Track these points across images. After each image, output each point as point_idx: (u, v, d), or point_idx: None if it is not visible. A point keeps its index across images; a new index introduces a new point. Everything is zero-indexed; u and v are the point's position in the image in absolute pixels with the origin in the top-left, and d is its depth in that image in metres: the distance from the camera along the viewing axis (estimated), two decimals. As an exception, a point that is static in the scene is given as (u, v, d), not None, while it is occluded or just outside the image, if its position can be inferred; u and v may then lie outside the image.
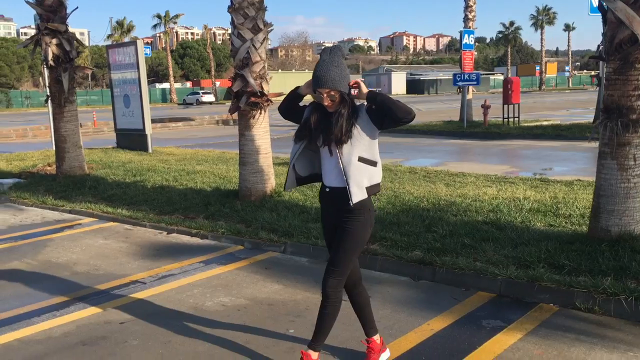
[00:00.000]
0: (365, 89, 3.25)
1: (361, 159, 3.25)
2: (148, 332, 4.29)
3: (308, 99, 3.44)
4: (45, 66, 10.94)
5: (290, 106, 3.51)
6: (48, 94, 11.50)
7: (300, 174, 3.51)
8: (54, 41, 10.49)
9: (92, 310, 4.74)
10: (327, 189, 3.38)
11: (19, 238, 7.26)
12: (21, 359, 3.92)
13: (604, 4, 5.21)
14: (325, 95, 3.20)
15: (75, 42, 10.85)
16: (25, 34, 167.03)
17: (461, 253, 5.54)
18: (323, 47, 3.37)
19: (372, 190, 3.32)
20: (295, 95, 3.47)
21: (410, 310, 4.60)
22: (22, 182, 10.98)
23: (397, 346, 3.93)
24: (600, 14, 5.37)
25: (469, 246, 5.71)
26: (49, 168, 12.17)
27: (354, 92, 3.28)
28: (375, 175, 3.33)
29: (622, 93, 5.16)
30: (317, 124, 3.32)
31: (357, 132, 3.24)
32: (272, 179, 8.32)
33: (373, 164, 3.31)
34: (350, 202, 3.22)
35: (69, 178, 10.71)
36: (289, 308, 4.71)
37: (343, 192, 3.26)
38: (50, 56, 10.42)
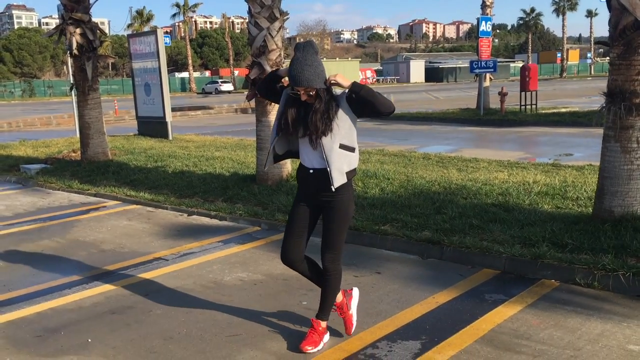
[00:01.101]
0: (346, 83, 3.33)
1: (342, 146, 3.41)
2: (171, 303, 4.60)
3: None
4: (69, 55, 11.28)
5: (269, 86, 3.65)
6: (72, 82, 11.87)
7: (277, 153, 3.67)
8: (78, 31, 10.85)
9: (119, 284, 5.07)
10: (311, 171, 3.50)
11: (48, 219, 7.64)
12: (55, 325, 4.25)
13: (609, -10, 5.35)
14: (302, 92, 3.33)
15: (98, 31, 11.20)
16: (47, 23, 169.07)
17: (469, 233, 5.76)
18: (296, 43, 3.43)
19: (351, 174, 3.50)
20: (274, 76, 3.62)
21: (418, 285, 4.84)
22: (49, 167, 11.40)
23: (403, 316, 4.19)
24: (605, 1, 5.51)
25: (476, 227, 5.92)
26: (73, 154, 12.58)
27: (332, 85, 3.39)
28: (353, 161, 3.50)
29: (625, 78, 5.31)
30: (296, 117, 3.45)
31: (337, 123, 3.38)
32: (288, 164, 8.58)
33: (352, 150, 3.47)
34: (332, 187, 3.39)
35: (93, 163, 11.10)
36: (302, 283, 4.96)
37: (325, 174, 3.42)
38: (74, 45, 10.77)
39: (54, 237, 6.73)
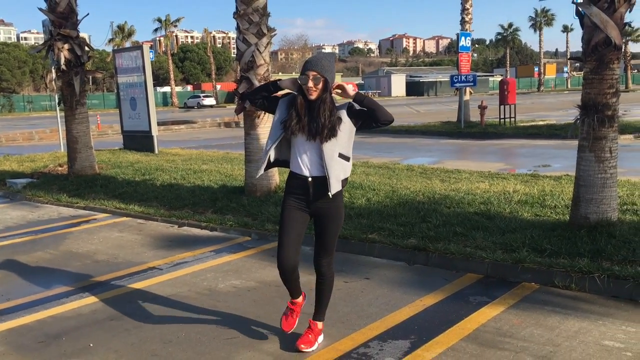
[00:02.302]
0: (351, 92, 3.49)
1: (340, 155, 3.57)
2: (168, 309, 4.75)
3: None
4: (57, 70, 11.39)
5: (266, 93, 3.71)
6: (57, 97, 11.95)
7: (270, 160, 3.75)
8: (66, 46, 10.98)
9: (116, 292, 5.21)
10: (310, 179, 3.60)
11: (39, 232, 7.73)
12: (56, 331, 4.38)
13: (581, 9, 5.68)
14: (311, 77, 3.40)
15: (85, 47, 11.33)
16: (26, 38, 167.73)
17: (453, 240, 6.01)
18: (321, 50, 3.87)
19: (344, 182, 3.67)
20: (274, 85, 3.69)
21: (405, 289, 5.06)
22: (35, 181, 11.45)
23: (392, 318, 4.39)
24: (578, 18, 5.84)
25: (460, 234, 6.17)
26: (60, 168, 12.64)
27: (336, 92, 3.54)
28: (347, 169, 3.67)
29: (598, 91, 5.63)
30: (302, 113, 3.52)
31: (340, 132, 3.52)
32: (276, 176, 8.78)
33: (347, 159, 3.64)
34: (330, 193, 3.54)
35: (81, 177, 11.18)
36: (294, 289, 5.16)
37: (323, 181, 3.56)
38: (62, 61, 10.90)
39: (47, 249, 6.84)
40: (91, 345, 4.11)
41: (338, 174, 3.57)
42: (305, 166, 3.63)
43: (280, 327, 4.03)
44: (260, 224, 7.19)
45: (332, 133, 3.49)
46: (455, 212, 7.03)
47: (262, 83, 8.30)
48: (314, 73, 3.41)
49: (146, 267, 5.95)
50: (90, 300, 5.04)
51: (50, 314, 4.73)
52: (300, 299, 4.05)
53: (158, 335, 4.23)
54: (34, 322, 4.58)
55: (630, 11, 5.58)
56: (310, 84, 3.42)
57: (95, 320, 4.58)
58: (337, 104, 3.59)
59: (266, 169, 3.82)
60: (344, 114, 3.55)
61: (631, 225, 5.96)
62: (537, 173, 10.09)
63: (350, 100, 3.57)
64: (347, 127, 3.56)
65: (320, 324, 3.99)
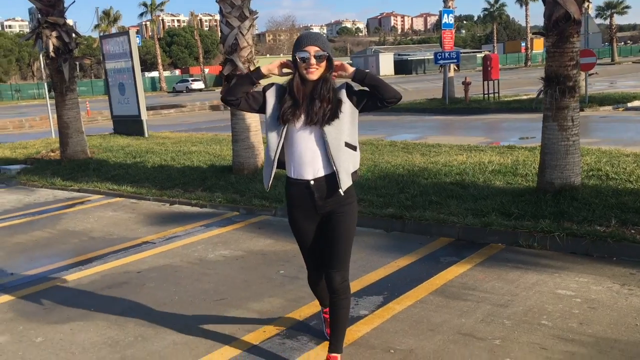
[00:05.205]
0: (350, 69, 3.02)
1: (347, 145, 3.03)
2: (161, 278, 5.13)
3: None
4: (46, 57, 11.61)
5: (247, 91, 3.11)
6: (47, 84, 12.17)
7: (279, 168, 3.17)
8: (54, 34, 11.20)
9: (113, 264, 5.58)
10: (312, 182, 3.05)
11: (36, 213, 8.07)
12: (59, 299, 4.75)
13: (542, -14, 6.02)
14: (312, 53, 2.92)
15: (73, 34, 11.55)
16: (10, 26, 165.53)
17: (428, 208, 6.40)
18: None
19: (354, 176, 3.12)
20: (256, 74, 3.11)
21: (382, 253, 5.46)
22: (29, 167, 11.74)
23: (368, 278, 4.79)
24: (540, -5, 6.17)
25: (435, 202, 6.56)
26: (52, 154, 12.91)
27: (335, 74, 3.07)
28: (357, 161, 3.13)
29: (559, 64, 5.99)
30: (301, 96, 3.02)
31: (342, 114, 3.02)
32: (262, 154, 9.12)
33: (355, 148, 3.10)
34: (340, 190, 3.01)
35: (74, 162, 11.48)
36: (279, 256, 5.56)
37: (330, 180, 3.03)
38: (51, 48, 11.13)
39: (45, 228, 7.18)
40: (92, 309, 4.49)
41: (347, 166, 3.03)
42: (304, 165, 3.05)
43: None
44: (248, 200, 7.55)
45: (335, 114, 2.98)
46: (432, 183, 7.42)
47: (246, 65, 8.61)
48: (317, 49, 2.92)
49: (140, 242, 6.31)
50: (89, 271, 5.40)
51: (52, 285, 5.10)
52: (339, 357, 3.32)
53: (153, 300, 4.61)
54: (38, 292, 4.95)
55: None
56: (313, 60, 2.92)
57: (95, 288, 4.95)
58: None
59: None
60: (343, 95, 3.04)
61: (593, 189, 6.37)
62: (514, 145, 10.48)
63: (349, 81, 3.11)
64: (348, 110, 3.04)
65: (340, 357, 3.25)
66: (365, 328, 3.87)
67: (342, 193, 3.02)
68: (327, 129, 2.98)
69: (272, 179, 3.16)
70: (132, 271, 5.35)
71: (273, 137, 3.07)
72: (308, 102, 3.01)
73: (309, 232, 3.22)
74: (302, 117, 3.02)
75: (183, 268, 5.36)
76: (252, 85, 3.11)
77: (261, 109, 3.15)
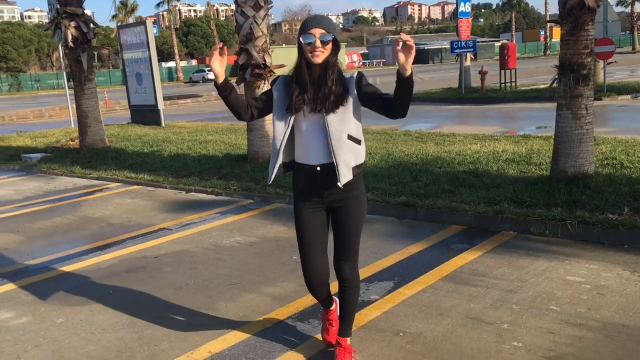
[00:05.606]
0: (409, 68, 2.64)
1: (350, 137, 2.95)
2: (178, 262, 5.25)
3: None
4: (65, 48, 11.80)
5: (236, 101, 3.02)
6: (66, 74, 12.36)
7: (284, 160, 3.08)
8: (72, 24, 11.36)
9: (130, 249, 5.72)
10: (318, 168, 2.99)
11: (57, 200, 8.26)
12: (78, 282, 4.89)
13: (557, -26, 5.99)
14: (317, 35, 2.83)
15: (91, 24, 11.71)
16: (29, 17, 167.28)
17: (441, 196, 6.44)
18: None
19: (357, 169, 3.02)
20: (220, 87, 3.00)
21: (394, 240, 5.53)
22: (49, 155, 11.96)
23: (379, 264, 4.86)
24: (555, -17, 6.15)
25: (448, 191, 6.60)
26: (71, 143, 13.13)
27: (399, 49, 2.59)
28: (360, 155, 3.03)
29: (574, 52, 5.98)
30: (308, 81, 2.93)
31: (348, 104, 2.94)
32: (277, 143, 9.21)
33: (359, 142, 3.02)
34: (339, 183, 2.93)
35: (92, 150, 11.68)
36: (292, 242, 5.63)
37: (333, 169, 2.95)
38: (69, 38, 11.30)
39: (65, 214, 7.35)
40: (110, 292, 4.63)
41: (347, 159, 2.94)
42: (311, 151, 3.00)
43: (324, 342, 3.55)
44: (262, 188, 7.65)
45: (340, 101, 2.91)
46: (445, 172, 7.45)
47: (261, 54, 8.67)
48: (322, 31, 2.84)
49: (157, 228, 6.45)
50: (108, 256, 5.55)
51: (72, 269, 5.25)
52: (333, 306, 3.47)
53: (169, 284, 4.74)
54: (58, 275, 5.10)
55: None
56: (318, 43, 2.84)
57: (113, 272, 5.10)
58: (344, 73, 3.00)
59: (286, 170, 3.12)
60: (352, 88, 2.94)
61: (607, 177, 6.37)
62: (529, 134, 10.44)
63: (358, 71, 3.02)
64: (353, 101, 2.95)
65: (349, 339, 3.35)
66: (375, 312, 3.95)
67: (340, 186, 2.94)
68: (330, 118, 2.91)
69: (276, 169, 3.02)
70: (149, 256, 5.48)
71: (280, 126, 3.01)
72: (315, 87, 2.93)
73: (314, 221, 3.11)
74: (309, 103, 2.95)
75: (198, 253, 5.48)
76: (229, 93, 2.99)
77: (271, 108, 3.10)
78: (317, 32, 2.83)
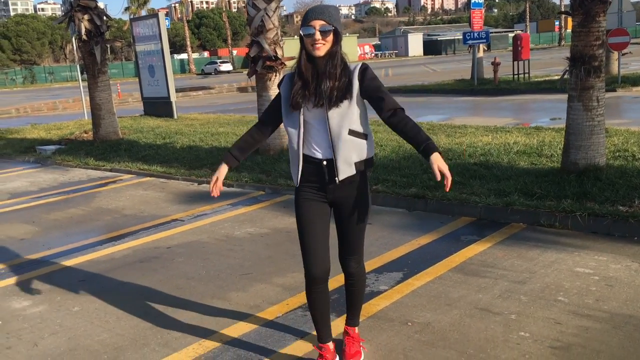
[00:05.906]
0: (448, 174, 2.71)
1: (352, 132, 2.88)
2: (190, 252, 5.34)
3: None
4: (78, 40, 11.91)
5: (254, 143, 3.15)
6: (80, 67, 12.48)
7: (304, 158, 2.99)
8: (86, 17, 11.46)
9: (144, 240, 5.81)
10: (325, 162, 2.92)
11: (71, 192, 8.38)
12: (93, 272, 4.99)
13: (569, -35, 5.96)
14: (317, 27, 2.76)
15: (104, 17, 11.80)
16: (43, 9, 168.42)
17: (451, 188, 6.45)
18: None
19: (362, 165, 2.95)
20: (239, 158, 3.17)
21: (404, 231, 5.57)
22: (63, 147, 12.11)
23: (389, 255, 4.91)
24: (567, -26, 6.12)
25: (458, 183, 6.62)
26: (85, 135, 13.28)
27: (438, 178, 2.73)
28: (363, 150, 2.94)
29: (585, 43, 5.95)
30: (310, 75, 2.87)
31: (352, 98, 2.86)
32: (287, 135, 9.25)
33: (363, 136, 2.93)
34: (337, 178, 2.90)
35: (106, 142, 11.81)
36: (303, 233, 5.70)
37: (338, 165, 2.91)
38: (83, 31, 11.40)
39: (80, 206, 7.47)
40: (125, 281, 4.72)
41: (348, 155, 2.88)
42: (317, 145, 2.94)
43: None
44: (273, 180, 7.72)
45: (343, 95, 2.84)
46: (456, 163, 7.46)
47: (272, 46, 8.71)
48: (322, 22, 2.77)
49: (169, 219, 6.54)
50: (122, 247, 5.64)
51: (87, 259, 5.35)
52: (330, 345, 3.25)
53: (182, 273, 4.82)
54: (73, 265, 5.20)
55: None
56: (318, 35, 2.77)
57: (127, 262, 5.19)
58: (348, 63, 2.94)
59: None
60: (355, 76, 2.87)
61: (618, 169, 6.35)
62: (541, 126, 10.40)
63: (363, 62, 2.99)
64: (356, 93, 2.88)
65: (357, 329, 3.40)
66: (384, 302, 4.00)
67: (337, 181, 2.90)
68: (332, 113, 2.84)
69: (300, 171, 2.96)
70: (162, 247, 5.56)
71: (291, 126, 2.94)
72: (318, 81, 2.86)
73: (316, 212, 3.03)
74: (312, 97, 2.87)
75: (210, 244, 5.55)
76: (242, 155, 3.18)
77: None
78: (317, 23, 2.77)
